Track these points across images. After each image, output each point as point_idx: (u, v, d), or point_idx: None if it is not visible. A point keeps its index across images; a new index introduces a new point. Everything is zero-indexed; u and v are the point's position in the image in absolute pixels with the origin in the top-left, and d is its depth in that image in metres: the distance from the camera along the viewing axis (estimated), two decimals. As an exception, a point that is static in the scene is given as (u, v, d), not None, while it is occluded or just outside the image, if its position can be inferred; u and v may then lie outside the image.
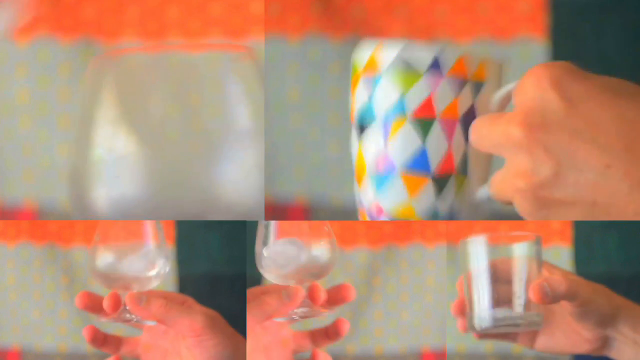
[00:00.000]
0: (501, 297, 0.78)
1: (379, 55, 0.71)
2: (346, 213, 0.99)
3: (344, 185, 0.99)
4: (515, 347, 1.11)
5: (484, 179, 0.72)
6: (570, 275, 0.80)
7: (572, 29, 0.95)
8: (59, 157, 0.99)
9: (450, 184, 0.71)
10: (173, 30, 0.99)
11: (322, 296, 0.77)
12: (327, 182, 0.99)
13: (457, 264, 0.80)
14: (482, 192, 0.72)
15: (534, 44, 0.96)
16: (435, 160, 0.71)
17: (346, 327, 0.79)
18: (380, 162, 0.72)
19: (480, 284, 0.78)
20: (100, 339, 0.81)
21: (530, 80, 0.67)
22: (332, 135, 0.99)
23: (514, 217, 0.76)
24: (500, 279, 0.78)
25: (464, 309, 0.79)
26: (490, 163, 0.73)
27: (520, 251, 0.78)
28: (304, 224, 0.77)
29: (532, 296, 0.77)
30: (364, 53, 0.72)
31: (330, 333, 0.80)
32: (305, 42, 0.99)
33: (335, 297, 0.78)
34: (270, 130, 0.97)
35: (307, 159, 0.99)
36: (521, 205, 0.68)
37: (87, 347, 1.08)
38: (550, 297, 0.77)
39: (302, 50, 0.99)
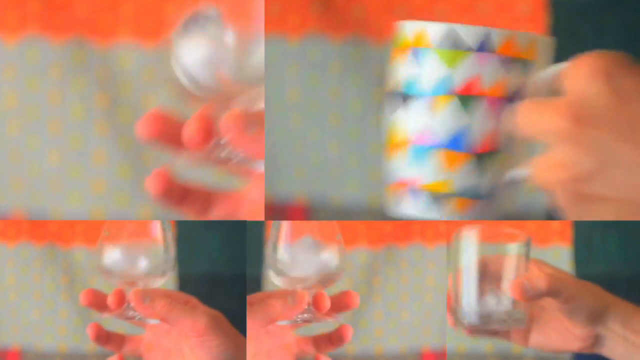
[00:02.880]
0: (488, 293, 0.78)
1: (430, 30, 0.71)
2: (346, 213, 0.99)
3: (344, 185, 0.99)
4: (515, 347, 1.11)
5: (523, 160, 0.72)
6: (559, 273, 0.80)
7: (572, 29, 0.95)
8: (49, 165, 0.98)
9: (492, 161, 0.71)
10: (170, 28, 0.99)
11: (327, 304, 0.76)
12: (327, 182, 0.99)
13: (450, 259, 0.80)
14: (523, 173, 0.72)
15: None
16: (478, 138, 0.71)
17: (350, 333, 0.79)
18: (422, 135, 0.72)
19: (468, 279, 0.78)
20: (104, 337, 0.81)
21: (583, 69, 0.66)
22: (332, 135, 0.99)
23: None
24: (488, 275, 0.78)
25: (452, 304, 0.79)
26: (534, 145, 0.72)
27: (510, 249, 0.78)
28: (314, 225, 0.76)
29: (512, 293, 0.77)
30: (413, 26, 0.72)
31: (333, 339, 0.80)
32: (305, 42, 0.99)
33: (339, 304, 0.78)
34: (270, 130, 0.97)
35: (307, 159, 0.99)
36: (559, 197, 0.67)
37: (87, 347, 1.08)
38: (530, 295, 0.77)
39: (302, 50, 0.99)
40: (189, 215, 0.66)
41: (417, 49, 0.72)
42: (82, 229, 1.07)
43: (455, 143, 0.71)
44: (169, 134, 0.64)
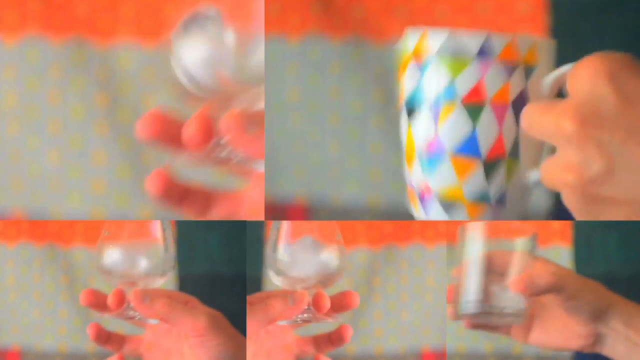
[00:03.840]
0: (490, 287, 0.78)
1: (428, 41, 0.71)
2: (346, 213, 0.99)
3: (344, 185, 0.99)
4: (515, 347, 1.11)
5: (535, 164, 0.72)
6: (562, 270, 0.80)
7: (572, 29, 0.95)
8: (49, 165, 0.98)
9: (501, 168, 0.71)
10: (171, 28, 0.99)
11: (327, 304, 0.76)
12: (327, 182, 0.99)
13: (456, 252, 0.80)
14: (533, 176, 0.72)
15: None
16: (485, 145, 0.71)
17: (350, 333, 0.79)
18: (430, 146, 0.72)
19: (471, 273, 0.78)
20: (104, 337, 0.81)
21: (586, 70, 0.65)
22: (332, 135, 0.99)
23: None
24: (492, 269, 0.78)
25: (454, 296, 0.79)
26: (542, 147, 0.72)
27: (515, 245, 0.78)
28: (314, 225, 0.77)
29: (514, 288, 0.77)
30: (412, 39, 0.72)
31: (333, 339, 0.80)
32: (305, 42, 0.99)
33: (339, 304, 0.78)
34: (270, 130, 0.97)
35: (307, 159, 0.99)
36: (569, 199, 0.67)
37: (88, 347, 1.08)
38: (533, 290, 0.77)
39: (302, 50, 0.99)
40: (189, 215, 0.66)
41: (418, 59, 0.72)
42: (82, 229, 1.07)
43: (463, 150, 0.71)
44: (168, 134, 0.63)
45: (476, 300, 0.78)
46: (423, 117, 0.72)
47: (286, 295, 0.76)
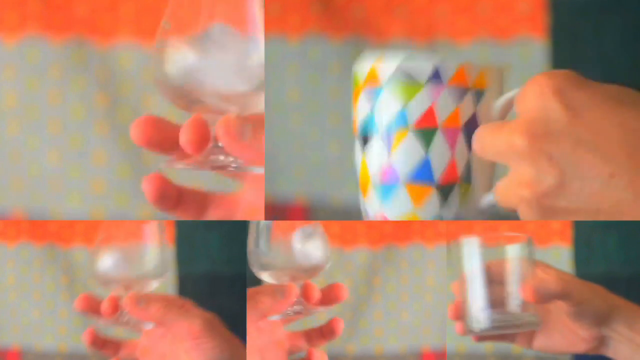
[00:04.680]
0: (496, 298, 0.78)
1: (380, 68, 0.72)
2: (346, 213, 0.99)
3: (344, 185, 0.99)
4: (515, 347, 1.10)
5: (489, 187, 0.72)
6: (565, 275, 0.80)
7: (572, 29, 0.95)
8: (49, 165, 0.98)
9: (455, 192, 0.72)
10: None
11: (316, 295, 0.77)
12: (327, 182, 0.99)
13: (451, 266, 0.80)
14: (487, 200, 0.72)
15: (534, 44, 0.96)
16: (438, 170, 0.71)
17: (341, 326, 0.80)
18: (384, 173, 0.72)
19: (475, 286, 0.78)
20: (100, 342, 0.81)
21: (533, 89, 0.67)
22: (332, 135, 0.99)
23: (513, 217, 0.76)
24: (494, 280, 0.78)
25: (461, 312, 0.79)
26: (494, 170, 0.73)
27: (512, 252, 0.78)
28: (297, 224, 0.77)
29: (526, 296, 0.77)
30: (365, 65, 0.73)
31: (325, 332, 0.80)
32: (305, 42, 0.99)
33: (329, 296, 0.79)
34: (270, 130, 0.97)
35: (307, 159, 0.99)
36: (525, 214, 0.68)
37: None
38: (543, 297, 0.77)
39: (302, 50, 0.99)
40: (184, 218, 0.66)
41: (369, 89, 0.72)
42: (82, 229, 1.07)
43: (416, 177, 0.71)
44: (163, 138, 0.63)
45: (486, 316, 0.78)
46: (376, 144, 0.72)
47: (275, 290, 0.76)
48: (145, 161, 0.98)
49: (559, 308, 0.79)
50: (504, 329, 0.78)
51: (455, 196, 0.72)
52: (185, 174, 0.61)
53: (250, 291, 0.77)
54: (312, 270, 0.76)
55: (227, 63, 0.56)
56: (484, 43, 0.97)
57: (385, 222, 1.11)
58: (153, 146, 0.64)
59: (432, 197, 0.71)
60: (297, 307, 0.77)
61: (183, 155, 0.54)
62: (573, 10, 0.95)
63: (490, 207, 0.73)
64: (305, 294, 0.77)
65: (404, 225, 1.13)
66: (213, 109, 0.56)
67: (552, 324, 0.81)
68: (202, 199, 0.69)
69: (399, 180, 0.71)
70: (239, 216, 0.65)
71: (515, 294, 0.78)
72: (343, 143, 0.99)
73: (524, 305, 0.78)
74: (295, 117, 0.99)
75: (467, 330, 0.79)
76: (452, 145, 0.71)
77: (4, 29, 0.98)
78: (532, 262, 0.79)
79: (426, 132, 0.71)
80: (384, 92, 0.71)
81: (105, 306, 0.77)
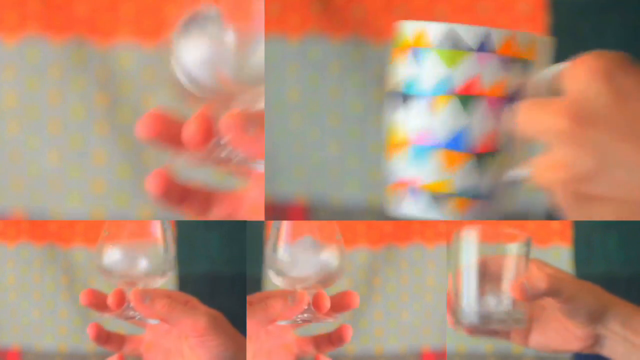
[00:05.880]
0: (488, 293, 0.78)
1: (430, 30, 0.71)
2: (346, 213, 0.99)
3: (344, 185, 0.99)
4: (515, 347, 1.11)
5: (526, 160, 0.72)
6: (559, 273, 0.80)
7: (572, 29, 0.95)
8: (49, 165, 0.98)
9: (492, 161, 0.71)
10: (171, 28, 0.98)
11: (327, 304, 0.76)
12: (327, 182, 0.99)
13: (450, 259, 0.80)
14: (523, 173, 0.72)
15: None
16: (478, 138, 0.71)
17: (350, 334, 0.79)
18: (422, 135, 0.72)
19: (468, 280, 0.78)
20: (104, 337, 0.81)
21: (582, 69, 0.66)
22: (332, 135, 0.99)
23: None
24: (488, 275, 0.78)
25: (452, 305, 0.79)
26: (534, 144, 0.72)
27: (510, 250, 0.78)
28: (314, 225, 0.76)
29: (513, 293, 0.77)
30: (413, 26, 0.72)
31: (333, 339, 0.80)
32: (305, 42, 0.99)
33: (339, 304, 0.78)
34: (270, 130, 0.97)
35: (307, 159, 0.99)
36: (559, 196, 0.67)
37: (88, 347, 1.08)
38: (530, 294, 0.77)
39: (302, 50, 0.99)
40: (188, 215, 0.66)
41: (417, 48, 0.72)
42: (82, 229, 1.07)
43: (455, 143, 0.71)
44: (168, 134, 0.63)
45: (475, 309, 0.78)
46: (417, 105, 0.72)
47: (286, 295, 0.76)
48: (145, 161, 0.98)
49: (554, 306, 0.79)
50: (490, 325, 0.78)
51: (492, 165, 0.71)
52: (190, 171, 0.61)
53: (260, 295, 0.77)
54: (328, 279, 0.76)
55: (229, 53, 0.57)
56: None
57: (385, 222, 1.11)
58: (159, 142, 0.64)
59: (467, 164, 0.71)
60: (306, 315, 0.76)
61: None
62: (573, 10, 0.95)
63: (525, 180, 0.72)
64: (315, 302, 0.76)
65: (404, 225, 1.13)
66: (219, 104, 0.56)
67: (547, 322, 0.81)
68: (206, 196, 0.68)
69: (436, 143, 0.71)
70: (243, 214, 0.65)
71: (507, 291, 0.78)
72: (343, 143, 0.99)
73: (514, 302, 0.78)
74: (295, 117, 0.99)
75: (456, 323, 0.79)
76: (494, 114, 0.71)
77: (4, 29, 0.98)
78: (528, 260, 0.79)
79: (470, 99, 0.70)
80: (432, 54, 0.71)
81: (111, 299, 0.77)
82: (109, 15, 0.98)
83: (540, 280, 0.77)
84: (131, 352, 0.82)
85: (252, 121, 0.57)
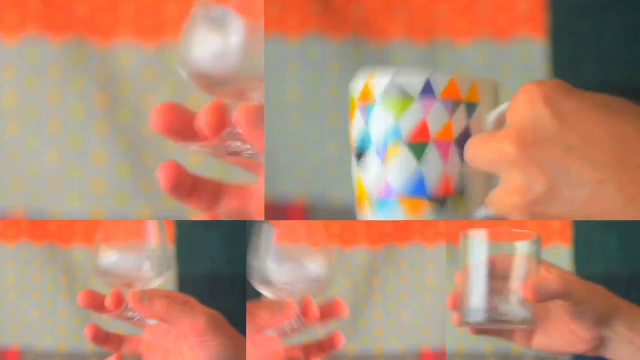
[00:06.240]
0: (496, 293, 0.78)
1: (373, 83, 0.72)
2: (346, 213, 0.99)
3: (344, 185, 0.99)
4: (515, 347, 1.11)
5: (483, 199, 0.72)
6: (568, 274, 0.80)
7: (572, 29, 0.95)
8: (49, 165, 0.98)
9: (449, 205, 0.72)
10: (171, 28, 0.99)
11: (315, 312, 0.77)
12: (327, 182, 0.99)
13: (458, 259, 0.80)
14: (481, 212, 0.73)
15: (534, 44, 0.96)
16: (432, 183, 0.71)
17: (342, 341, 0.80)
18: (379, 188, 0.72)
19: (477, 278, 0.78)
20: (102, 338, 0.81)
21: (523, 98, 0.67)
22: (332, 135, 0.99)
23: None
24: (497, 275, 0.78)
25: (459, 303, 0.79)
26: (489, 183, 0.73)
27: (520, 249, 0.78)
28: (302, 233, 0.76)
29: (526, 294, 0.77)
30: (359, 82, 0.73)
31: (325, 346, 0.80)
32: (305, 42, 0.99)
33: (328, 313, 0.79)
34: (270, 130, 0.97)
35: (307, 159, 0.99)
36: (517, 220, 0.68)
37: (87, 347, 1.08)
38: (543, 296, 0.77)
39: (302, 50, 0.99)
40: (197, 208, 0.66)
41: (363, 105, 0.73)
42: (82, 229, 1.08)
43: (411, 191, 0.71)
44: (181, 125, 0.63)
45: (482, 308, 0.78)
46: (371, 159, 0.72)
47: (273, 305, 0.76)
48: (145, 161, 0.98)
49: (560, 308, 0.79)
50: (498, 324, 0.78)
51: (449, 209, 0.72)
52: (200, 167, 0.61)
53: (248, 306, 0.77)
54: (316, 288, 0.76)
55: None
56: (484, 43, 0.97)
57: (385, 222, 1.11)
58: (173, 134, 0.64)
59: (426, 210, 0.72)
60: (295, 323, 0.76)
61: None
62: (573, 10, 0.95)
63: (484, 219, 0.73)
64: (304, 311, 0.76)
65: (404, 225, 1.13)
66: (235, 94, 0.56)
67: (552, 324, 0.81)
68: (216, 189, 0.68)
69: (393, 194, 0.72)
70: (252, 209, 0.65)
71: (516, 291, 0.78)
72: (343, 143, 0.99)
73: (523, 302, 0.78)
74: (295, 117, 0.99)
75: (463, 322, 0.79)
76: (445, 158, 0.71)
77: (4, 29, 0.98)
78: (538, 261, 0.79)
79: (419, 145, 0.71)
80: (378, 107, 0.72)
81: (109, 300, 0.77)
82: (109, 15, 0.98)
83: (552, 282, 0.77)
84: (130, 353, 0.82)
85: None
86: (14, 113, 0.98)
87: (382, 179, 0.72)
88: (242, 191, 0.70)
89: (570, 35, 0.95)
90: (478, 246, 0.78)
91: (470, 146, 0.70)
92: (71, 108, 0.98)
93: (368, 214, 0.74)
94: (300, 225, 0.77)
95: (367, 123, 0.73)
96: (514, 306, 0.78)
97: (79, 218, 0.98)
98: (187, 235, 1.04)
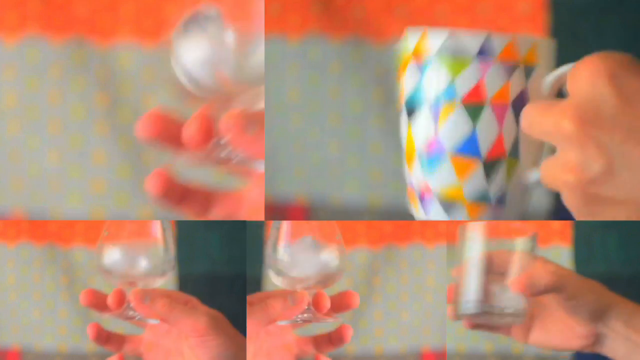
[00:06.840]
0: (490, 287, 0.78)
1: (428, 41, 0.71)
2: (346, 213, 0.99)
3: (344, 185, 0.99)
4: (515, 347, 1.11)
5: (535, 163, 0.72)
6: (562, 270, 0.80)
7: (572, 29, 0.95)
8: (49, 165, 0.98)
9: (501, 167, 0.71)
10: (171, 28, 0.98)
11: (327, 304, 0.77)
12: (327, 182, 0.99)
13: (456, 252, 0.80)
14: (533, 177, 0.72)
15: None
16: (485, 145, 0.71)
17: (350, 334, 0.79)
18: (430, 146, 0.72)
19: (472, 272, 0.78)
20: (104, 337, 0.81)
21: (586, 70, 0.65)
22: (332, 135, 0.99)
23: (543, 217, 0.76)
24: (493, 269, 0.78)
25: (454, 296, 0.79)
26: (542, 147, 0.72)
27: (515, 245, 0.78)
28: (314, 225, 0.77)
29: (515, 288, 0.77)
30: (412, 39, 0.72)
31: (333, 339, 0.80)
32: (305, 42, 0.99)
33: (339, 304, 0.78)
34: (270, 130, 0.97)
35: (307, 159, 0.99)
36: (568, 199, 0.67)
37: (88, 347, 1.08)
38: (533, 289, 0.77)
39: (302, 50, 0.99)
40: (188, 215, 0.67)
41: (416, 63, 0.72)
42: (82, 229, 1.07)
43: (463, 150, 0.71)
44: (169, 134, 0.64)
45: (476, 301, 0.78)
46: (423, 117, 0.72)
47: (286, 295, 0.76)
48: (145, 161, 0.98)
49: (556, 303, 0.79)
50: (490, 317, 0.78)
51: (501, 171, 0.71)
52: (190, 173, 0.62)
53: (260, 295, 0.77)
54: (328, 279, 0.76)
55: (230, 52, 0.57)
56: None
57: (385, 222, 1.11)
58: (159, 142, 0.64)
59: (477, 171, 0.71)
60: (306, 315, 0.77)
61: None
62: (573, 10, 0.95)
63: (535, 184, 0.72)
64: (316, 302, 0.77)
65: (404, 225, 1.13)
66: (219, 104, 0.57)
67: (548, 319, 0.81)
68: (206, 196, 0.69)
69: (444, 152, 0.71)
70: (243, 214, 0.65)
71: (509, 285, 0.78)
72: (343, 143, 0.99)
73: (515, 297, 0.78)
74: (295, 117, 0.99)
75: (456, 314, 0.79)
76: (500, 120, 0.71)
77: (4, 29, 0.98)
78: (534, 257, 0.79)
79: (474, 107, 0.71)
80: (432, 65, 0.71)
81: (111, 299, 0.77)
82: (109, 15, 0.98)
83: (542, 276, 0.77)
84: (131, 352, 0.82)
85: (252, 121, 0.57)
86: (14, 113, 0.98)
87: (433, 137, 0.72)
88: (232, 197, 0.70)
89: (570, 35, 0.95)
90: (474, 240, 0.79)
91: (527, 114, 0.68)
92: (71, 108, 0.98)
93: (417, 171, 0.73)
94: (311, 222, 0.78)
95: (420, 80, 0.72)
96: (506, 301, 0.78)
97: (79, 218, 0.98)
98: (187, 235, 1.04)
